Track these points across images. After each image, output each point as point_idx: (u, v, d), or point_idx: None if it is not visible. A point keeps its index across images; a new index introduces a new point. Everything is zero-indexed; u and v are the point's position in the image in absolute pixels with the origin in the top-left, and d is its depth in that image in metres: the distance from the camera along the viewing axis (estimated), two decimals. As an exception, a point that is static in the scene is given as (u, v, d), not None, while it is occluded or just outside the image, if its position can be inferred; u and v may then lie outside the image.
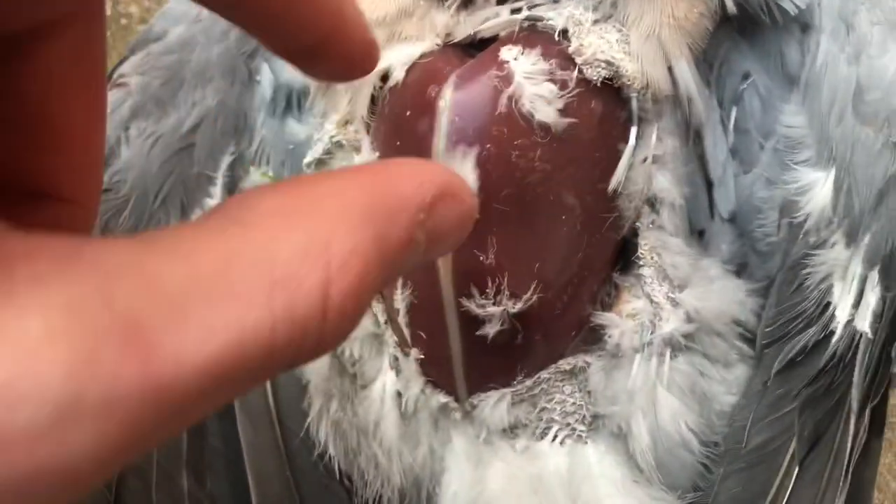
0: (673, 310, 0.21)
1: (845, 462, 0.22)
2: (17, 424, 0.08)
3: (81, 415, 0.08)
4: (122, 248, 0.09)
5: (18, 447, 0.08)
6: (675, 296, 0.22)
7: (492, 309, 0.21)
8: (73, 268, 0.09)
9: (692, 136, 0.22)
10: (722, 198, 0.23)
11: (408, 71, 0.21)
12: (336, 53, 0.12)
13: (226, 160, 0.25)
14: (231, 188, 0.25)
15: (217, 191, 0.25)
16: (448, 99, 0.20)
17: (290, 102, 0.25)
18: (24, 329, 0.08)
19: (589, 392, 0.23)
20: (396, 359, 0.23)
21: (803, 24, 0.23)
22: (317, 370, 0.24)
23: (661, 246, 0.22)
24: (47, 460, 0.08)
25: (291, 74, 0.25)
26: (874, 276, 0.21)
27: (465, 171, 0.15)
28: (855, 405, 0.21)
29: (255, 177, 0.26)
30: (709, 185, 0.23)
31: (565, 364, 0.22)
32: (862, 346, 0.21)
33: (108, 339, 0.09)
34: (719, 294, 0.22)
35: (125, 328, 0.09)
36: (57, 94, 0.11)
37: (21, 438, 0.08)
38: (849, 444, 0.22)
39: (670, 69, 0.21)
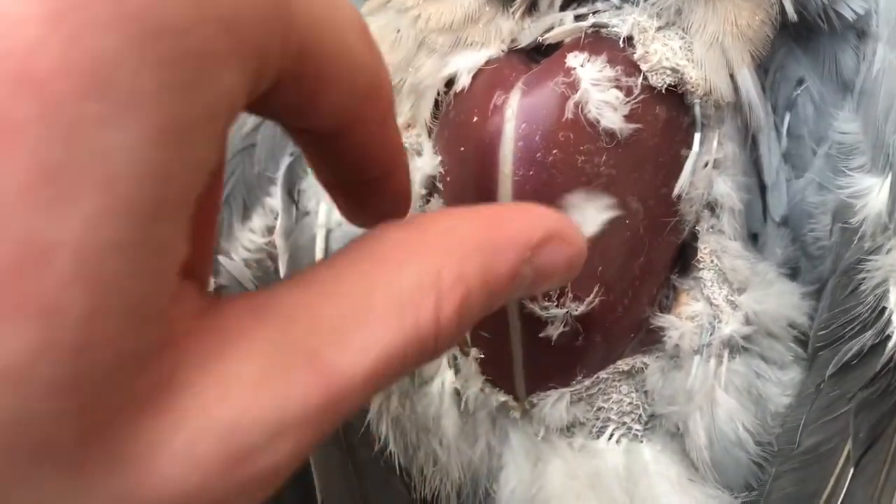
0: (732, 312, 0.22)
1: None
2: (247, 443, 0.11)
3: (286, 431, 0.11)
4: (288, 296, 0.12)
5: (247, 461, 0.11)
6: (734, 298, 0.22)
7: (555, 311, 0.21)
8: (263, 320, 0.11)
9: (749, 142, 0.23)
10: (775, 202, 0.24)
11: (474, 77, 0.22)
12: (388, 190, 0.15)
13: (285, 161, 0.25)
14: (290, 189, 0.25)
15: (277, 191, 0.25)
16: (515, 105, 0.21)
17: None
18: (239, 374, 0.11)
19: (646, 392, 0.23)
20: (455, 358, 0.24)
21: (860, 31, 0.23)
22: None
23: (721, 249, 0.22)
24: (260, 469, 0.11)
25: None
26: None
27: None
28: None
29: (312, 178, 0.26)
30: (762, 189, 0.24)
31: (623, 364, 0.23)
32: None
33: (298, 371, 0.11)
34: (777, 297, 0.22)
35: (308, 360, 0.11)
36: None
37: (251, 456, 0.11)
38: None
39: (732, 76, 0.22)
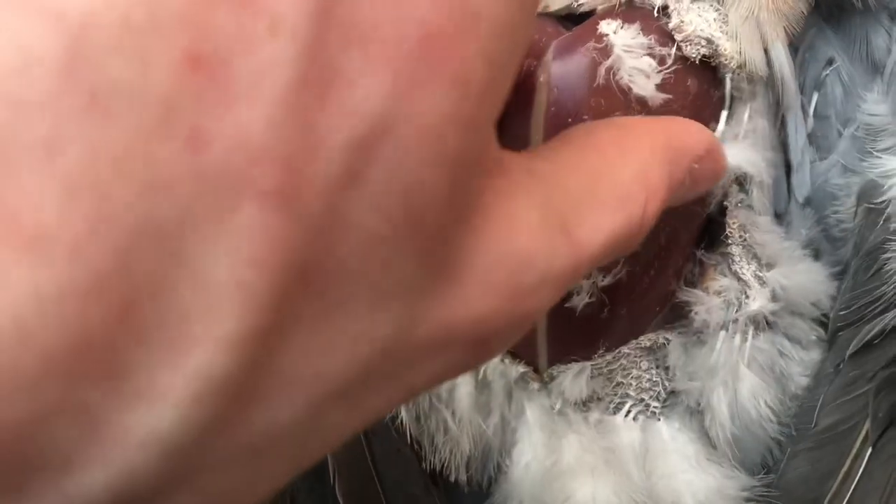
0: (760, 288, 0.22)
1: None
2: (526, 282, 0.11)
3: (548, 283, 0.12)
4: (545, 165, 0.13)
5: (524, 299, 0.12)
6: (762, 274, 0.22)
7: (582, 281, 0.21)
8: (533, 180, 0.12)
9: (779, 121, 0.23)
10: (799, 183, 0.23)
11: None
12: None
13: None
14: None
15: None
16: (547, 69, 0.20)
17: None
18: (524, 217, 0.12)
19: (667, 368, 0.23)
20: (474, 328, 0.23)
21: (892, 12, 0.23)
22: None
23: (751, 224, 0.22)
24: (527, 311, 0.12)
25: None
26: None
27: None
28: None
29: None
30: (788, 169, 0.24)
31: (646, 340, 0.23)
32: None
33: (557, 232, 0.12)
34: (805, 274, 0.22)
35: (560, 224, 0.12)
36: None
37: (526, 295, 0.12)
38: None
39: (766, 50, 0.21)
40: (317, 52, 0.09)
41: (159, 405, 0.09)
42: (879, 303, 0.22)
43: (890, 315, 0.22)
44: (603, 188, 0.13)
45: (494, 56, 0.10)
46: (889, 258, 0.22)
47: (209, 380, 0.09)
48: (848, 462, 0.22)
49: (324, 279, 0.09)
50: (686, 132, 0.16)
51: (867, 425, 0.22)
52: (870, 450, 0.22)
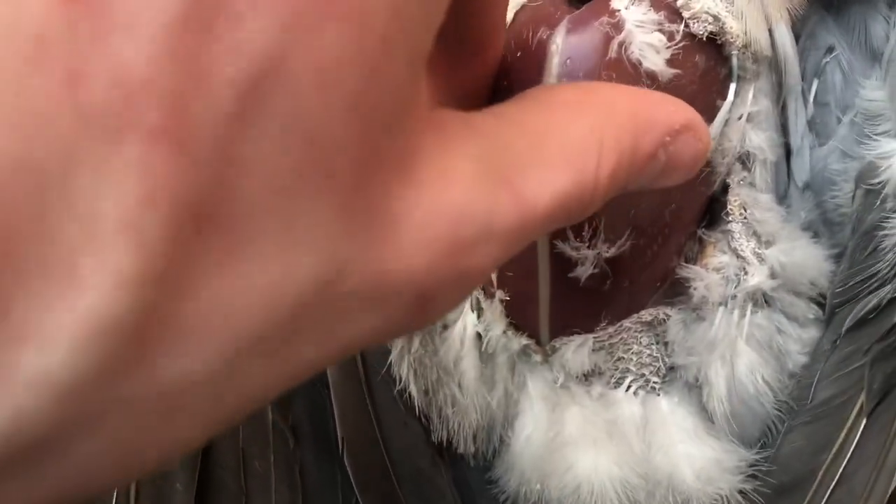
0: (759, 265, 0.22)
1: None
2: (466, 236, 0.11)
3: (492, 238, 0.12)
4: (483, 121, 0.13)
5: (464, 254, 0.11)
6: (761, 251, 0.22)
7: (585, 251, 0.21)
8: (471, 134, 0.12)
9: (781, 103, 0.23)
10: (798, 168, 0.24)
11: (516, 13, 0.22)
12: (475, 69, 0.15)
13: None
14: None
15: None
16: (560, 42, 0.21)
17: None
18: (459, 170, 0.11)
19: (666, 344, 0.23)
20: (478, 300, 0.23)
21: (891, 0, 0.24)
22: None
23: (752, 202, 0.22)
24: (469, 267, 0.11)
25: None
26: None
27: None
28: None
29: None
30: (787, 153, 0.24)
31: (647, 315, 0.23)
32: None
33: (499, 187, 0.12)
34: (803, 252, 0.23)
35: (502, 179, 0.12)
36: None
37: (467, 250, 0.11)
38: None
39: (770, 31, 0.22)
40: None
41: (49, 346, 0.08)
42: (875, 279, 0.23)
43: (885, 290, 0.22)
44: (550, 146, 0.13)
45: (399, 1, 0.10)
46: (886, 235, 0.23)
47: (102, 320, 0.08)
48: (842, 435, 0.23)
49: (223, 220, 0.09)
50: (657, 103, 0.15)
51: (862, 398, 0.22)
52: (864, 421, 0.22)
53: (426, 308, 0.11)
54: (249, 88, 0.09)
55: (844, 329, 0.23)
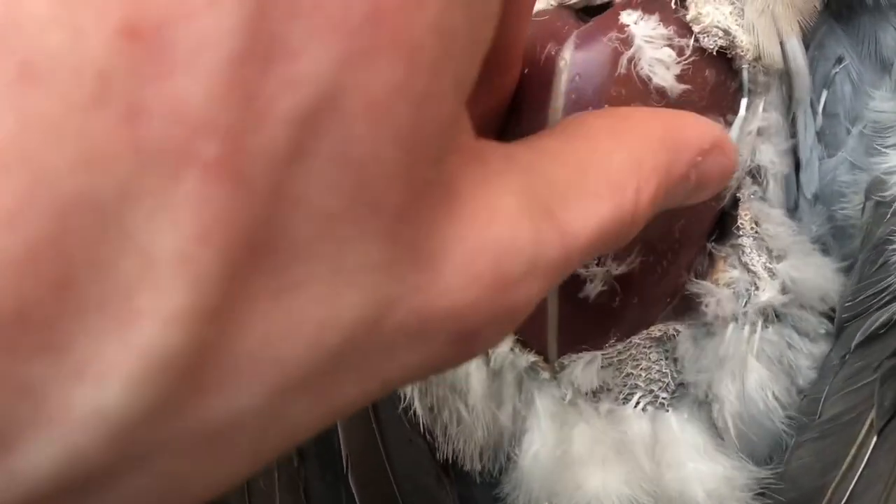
0: (770, 280, 0.22)
1: None
2: (511, 271, 0.11)
3: (536, 272, 0.11)
4: (524, 153, 0.13)
5: (509, 289, 0.11)
6: (772, 266, 0.22)
7: (595, 269, 0.21)
8: (513, 168, 0.12)
9: (791, 116, 0.23)
10: (807, 180, 0.24)
11: None
12: (495, 90, 0.15)
13: None
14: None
15: None
16: (569, 58, 0.20)
17: None
18: (503, 204, 0.11)
19: (675, 359, 0.23)
20: (485, 317, 0.23)
21: (901, 11, 0.23)
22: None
23: (763, 216, 0.22)
24: (514, 302, 0.11)
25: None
26: None
27: None
28: None
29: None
30: (797, 165, 0.24)
31: (656, 331, 0.23)
32: None
33: (540, 219, 0.12)
34: (815, 268, 0.22)
35: (545, 212, 0.12)
36: None
37: (512, 285, 0.11)
38: None
39: (781, 44, 0.22)
40: (258, 23, 0.08)
41: (105, 382, 0.08)
42: (885, 294, 0.22)
43: (895, 306, 0.22)
44: (591, 176, 0.13)
45: (446, 28, 0.10)
46: (895, 249, 0.22)
47: (157, 357, 0.08)
48: (853, 451, 0.22)
49: (276, 256, 0.09)
50: (688, 125, 0.16)
51: (872, 415, 0.22)
52: (875, 439, 0.22)
53: (470, 344, 0.11)
54: (303, 122, 0.09)
55: (854, 344, 0.22)
